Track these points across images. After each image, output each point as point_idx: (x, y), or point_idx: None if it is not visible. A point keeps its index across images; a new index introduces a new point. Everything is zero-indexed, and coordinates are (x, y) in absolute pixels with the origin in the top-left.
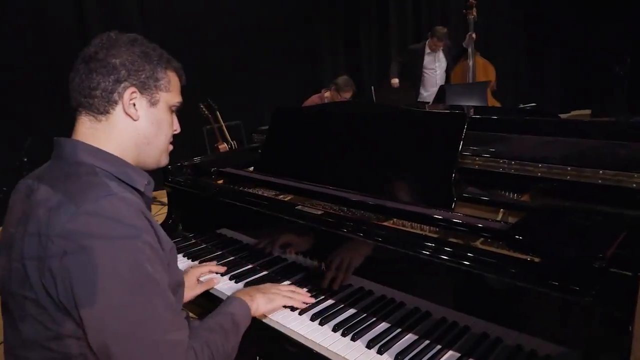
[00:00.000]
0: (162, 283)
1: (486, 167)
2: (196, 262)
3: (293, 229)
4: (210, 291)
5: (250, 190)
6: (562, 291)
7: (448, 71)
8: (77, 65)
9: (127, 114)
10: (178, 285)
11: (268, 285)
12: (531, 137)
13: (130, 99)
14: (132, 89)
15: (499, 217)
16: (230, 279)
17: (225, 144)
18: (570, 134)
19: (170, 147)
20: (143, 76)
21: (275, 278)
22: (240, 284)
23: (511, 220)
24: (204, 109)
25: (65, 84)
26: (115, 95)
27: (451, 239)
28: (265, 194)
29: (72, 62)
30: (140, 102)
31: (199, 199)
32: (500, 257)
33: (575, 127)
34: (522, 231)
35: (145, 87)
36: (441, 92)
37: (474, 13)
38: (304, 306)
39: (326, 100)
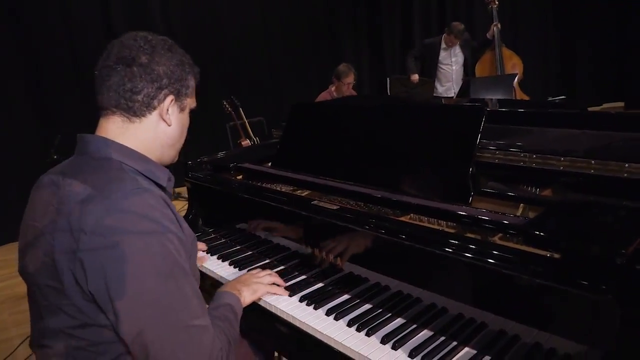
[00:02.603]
0: (188, 270)
1: (507, 162)
2: (215, 257)
3: (308, 224)
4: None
5: (268, 186)
6: (581, 288)
7: (467, 65)
8: (112, 64)
9: (162, 119)
10: (197, 279)
11: (247, 275)
12: (555, 130)
13: (169, 106)
14: (172, 97)
15: (519, 212)
16: None
17: (248, 140)
18: (596, 126)
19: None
20: (178, 85)
21: (291, 273)
22: None
23: (531, 215)
24: (227, 106)
25: (91, 81)
26: (156, 102)
27: (469, 235)
28: (283, 189)
29: (97, 59)
30: (173, 108)
31: (218, 194)
32: (519, 253)
33: (601, 119)
34: (539, 226)
35: (180, 95)
36: (466, 86)
37: (496, 2)
38: (285, 293)
39: (335, 94)
